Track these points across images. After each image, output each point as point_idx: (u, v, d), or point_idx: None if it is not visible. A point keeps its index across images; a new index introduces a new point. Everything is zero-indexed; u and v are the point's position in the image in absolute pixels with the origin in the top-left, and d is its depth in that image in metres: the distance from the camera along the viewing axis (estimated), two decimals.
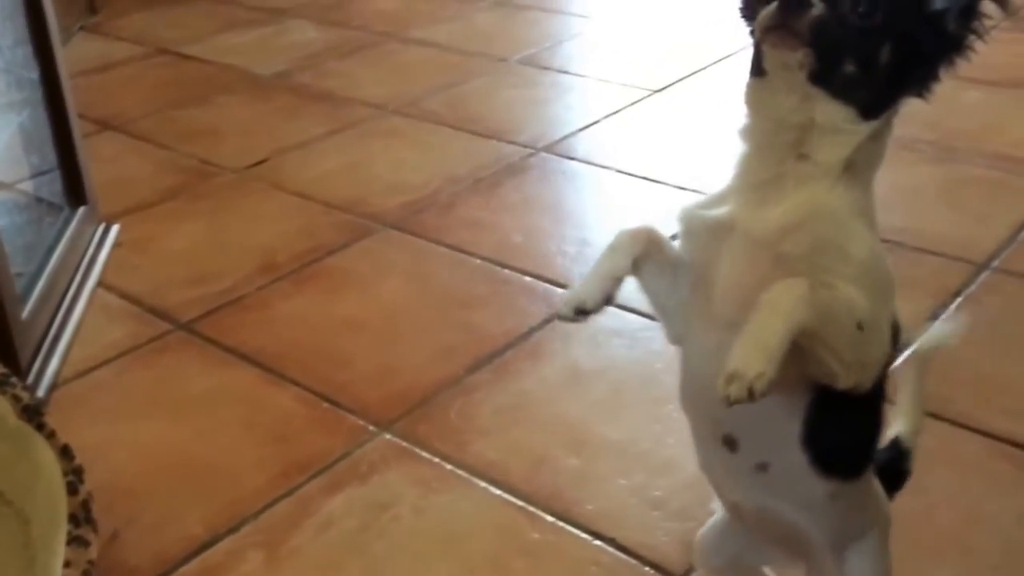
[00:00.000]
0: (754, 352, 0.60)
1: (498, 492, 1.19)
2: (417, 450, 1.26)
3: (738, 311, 0.64)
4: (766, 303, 0.62)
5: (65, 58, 1.66)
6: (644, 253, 0.71)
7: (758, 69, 0.67)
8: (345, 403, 1.34)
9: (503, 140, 2.10)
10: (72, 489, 0.89)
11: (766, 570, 0.91)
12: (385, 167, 2.02)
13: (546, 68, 2.50)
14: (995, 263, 1.59)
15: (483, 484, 1.20)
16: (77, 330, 1.51)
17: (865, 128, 0.67)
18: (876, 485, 0.82)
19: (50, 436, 0.92)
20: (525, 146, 2.07)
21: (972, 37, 0.66)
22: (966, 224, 1.71)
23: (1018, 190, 1.82)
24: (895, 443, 0.87)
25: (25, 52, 1.61)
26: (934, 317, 1.46)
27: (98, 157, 2.00)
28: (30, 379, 1.33)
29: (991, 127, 2.06)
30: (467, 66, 2.53)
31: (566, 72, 2.48)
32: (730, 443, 0.72)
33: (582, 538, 1.12)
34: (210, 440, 1.30)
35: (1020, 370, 1.37)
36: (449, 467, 1.23)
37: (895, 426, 0.87)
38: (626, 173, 1.87)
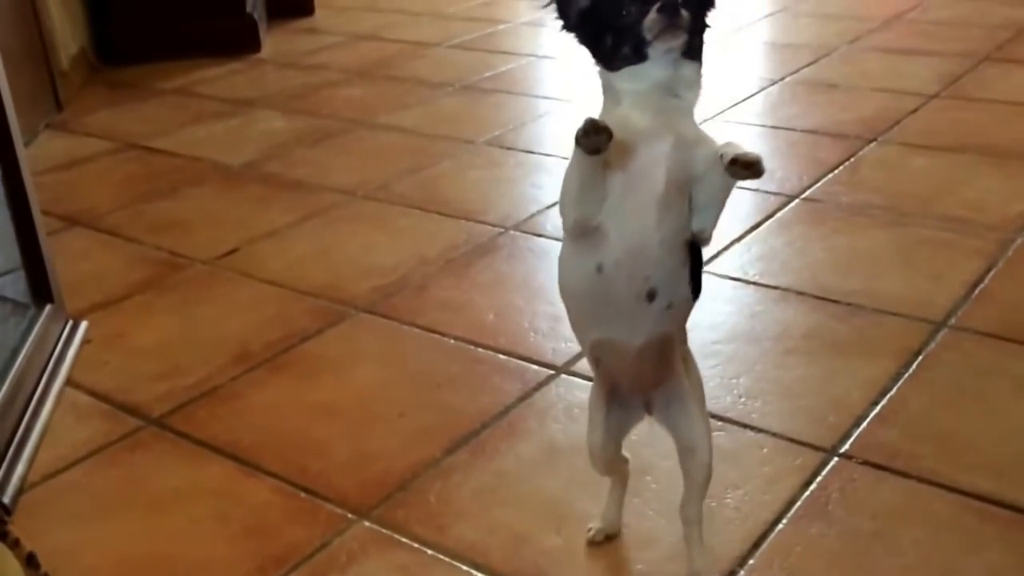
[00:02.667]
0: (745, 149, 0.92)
1: (480, 575, 1.17)
2: (397, 536, 1.24)
3: (676, 194, 0.95)
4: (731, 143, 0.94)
5: (29, 155, 1.66)
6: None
7: (639, 58, 0.95)
8: (322, 492, 1.33)
9: (472, 220, 2.12)
10: None
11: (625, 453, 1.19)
12: (356, 252, 2.03)
13: (512, 149, 2.54)
14: (952, 321, 1.62)
15: (464, 567, 1.18)
16: (45, 431, 1.48)
17: (703, 74, 0.99)
18: None
19: (14, 545, 0.90)
20: (494, 225, 2.09)
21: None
22: (922, 285, 1.75)
23: (969, 249, 1.86)
24: None
25: None
26: (897, 377, 1.48)
27: (66, 253, 2.00)
28: None
29: (939, 190, 2.12)
30: (434, 149, 2.57)
31: (532, 152, 2.52)
32: (651, 295, 0.98)
33: None
34: (184, 538, 1.27)
35: (982, 425, 1.38)
36: (430, 552, 1.21)
37: None
38: None
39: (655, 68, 0.95)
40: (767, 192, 2.14)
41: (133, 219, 2.25)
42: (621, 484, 1.21)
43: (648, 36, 0.93)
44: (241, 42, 3.59)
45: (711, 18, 0.99)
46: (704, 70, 0.98)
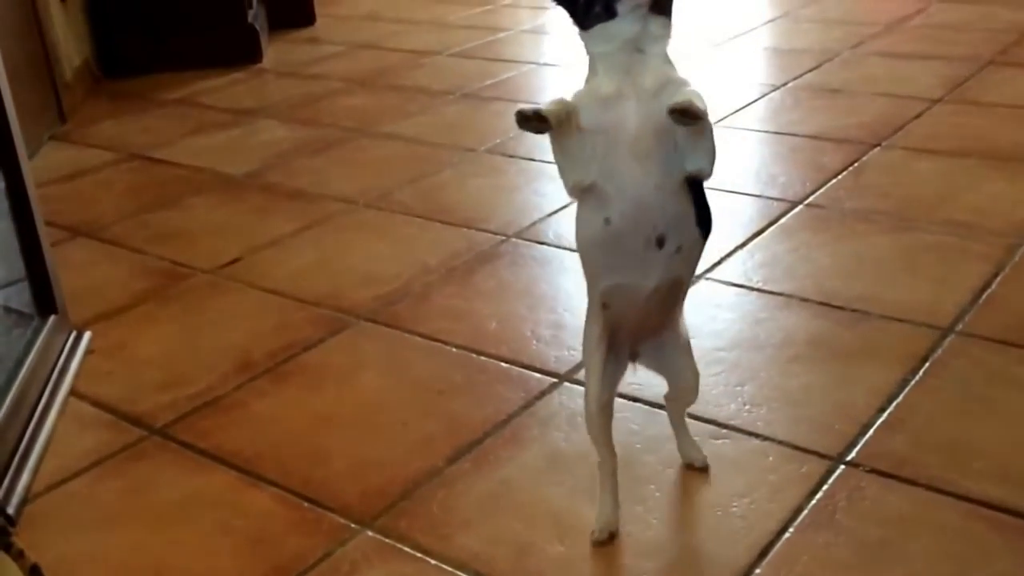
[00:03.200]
0: (698, 98, 1.00)
1: None
2: (400, 546, 1.23)
3: (651, 143, 1.03)
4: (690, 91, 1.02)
5: (33, 167, 1.67)
6: (566, 113, 1.04)
7: (609, 14, 1.02)
8: (324, 501, 1.32)
9: (474, 228, 2.12)
10: None
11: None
12: (358, 260, 2.02)
13: (513, 156, 2.54)
14: (959, 327, 1.61)
15: None
16: (49, 442, 1.48)
17: (671, 28, 1.06)
18: None
19: (18, 556, 0.90)
20: (496, 233, 2.09)
21: None
22: (928, 290, 1.74)
23: (976, 254, 1.85)
24: None
25: None
26: (904, 384, 1.47)
27: (70, 264, 2.00)
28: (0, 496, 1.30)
29: (944, 195, 2.11)
30: (436, 157, 2.57)
31: (533, 159, 2.52)
32: (660, 241, 1.06)
33: None
34: (186, 548, 1.26)
35: (991, 431, 1.37)
36: (433, 562, 1.20)
37: None
38: None
39: (624, 24, 1.03)
40: (770, 198, 2.14)
41: (136, 229, 2.25)
42: (611, 475, 1.23)
43: None
44: (242, 52, 3.59)
45: None
46: (673, 22, 1.06)
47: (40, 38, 2.97)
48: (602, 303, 1.14)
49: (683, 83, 1.04)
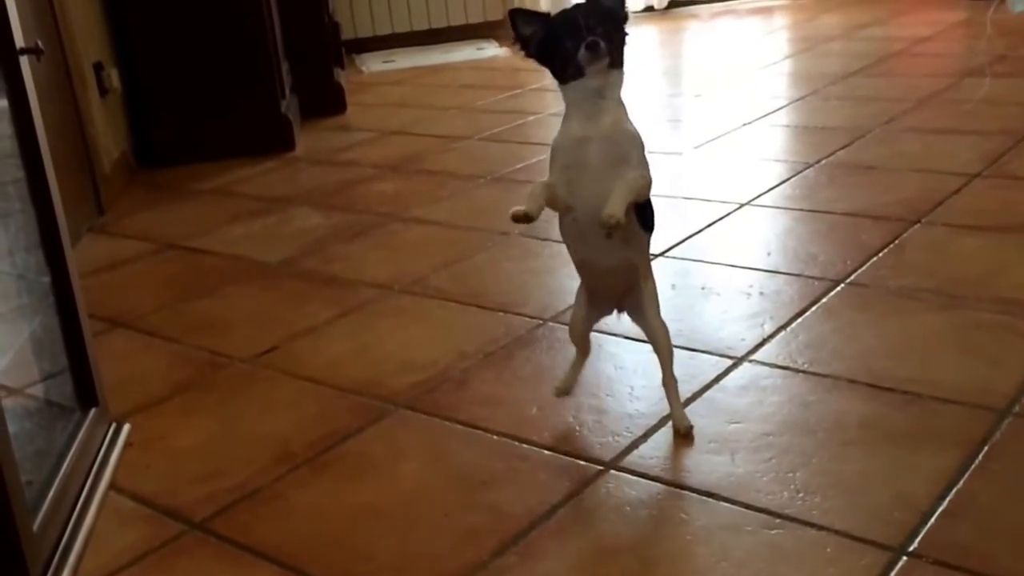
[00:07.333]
0: (618, 205, 1.40)
1: None
2: None
3: (604, 173, 1.44)
4: (621, 183, 1.42)
5: (74, 259, 1.68)
6: (546, 197, 1.47)
7: (578, 75, 1.44)
8: None
9: (510, 312, 2.11)
10: None
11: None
12: (395, 347, 2.01)
13: (547, 240, 2.53)
14: (1016, 408, 1.56)
15: None
16: (89, 538, 1.46)
17: (624, 75, 1.48)
18: None
19: None
20: (532, 317, 2.07)
21: (628, 20, 1.48)
22: (981, 370, 1.69)
23: None
24: None
25: (36, 258, 1.64)
26: (963, 469, 1.42)
27: (109, 355, 2.00)
28: None
29: (992, 272, 2.07)
30: (469, 241, 2.58)
31: None
32: (609, 234, 1.44)
33: None
34: None
35: None
36: None
37: None
38: (634, 339, 1.85)
39: (592, 80, 1.44)
40: (810, 277, 2.11)
41: (173, 319, 2.26)
42: (582, 357, 1.71)
43: (583, 63, 1.43)
44: (276, 141, 3.66)
45: (626, 35, 1.46)
46: (626, 71, 1.47)
47: (81, 132, 3.04)
48: (580, 271, 1.61)
49: (634, 135, 1.46)
